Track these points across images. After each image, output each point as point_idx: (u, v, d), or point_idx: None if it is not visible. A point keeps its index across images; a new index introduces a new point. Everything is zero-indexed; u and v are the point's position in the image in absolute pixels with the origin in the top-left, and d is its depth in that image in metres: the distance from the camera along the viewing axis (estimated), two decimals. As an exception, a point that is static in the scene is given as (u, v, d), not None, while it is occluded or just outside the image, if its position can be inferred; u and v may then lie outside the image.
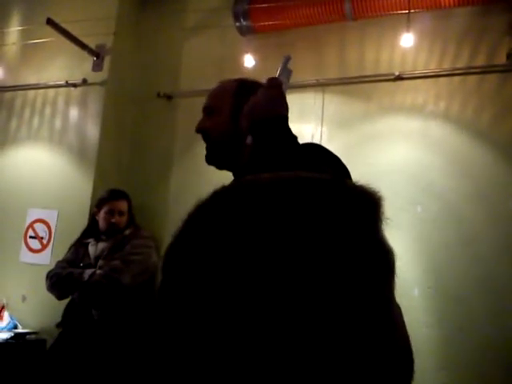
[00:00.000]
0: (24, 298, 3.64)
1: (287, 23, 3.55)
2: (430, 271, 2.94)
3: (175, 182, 3.85)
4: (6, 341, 3.26)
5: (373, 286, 0.46)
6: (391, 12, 3.25)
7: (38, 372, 3.05)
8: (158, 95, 3.98)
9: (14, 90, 4.13)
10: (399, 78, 3.33)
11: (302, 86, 3.50)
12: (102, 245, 3.01)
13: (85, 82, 3.84)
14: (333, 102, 3.51)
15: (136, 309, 2.82)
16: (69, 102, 3.92)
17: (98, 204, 3.18)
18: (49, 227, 3.71)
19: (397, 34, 3.29)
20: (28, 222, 3.79)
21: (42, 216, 3.74)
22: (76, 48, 3.73)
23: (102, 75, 3.83)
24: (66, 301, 2.98)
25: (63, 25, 3.58)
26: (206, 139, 1.48)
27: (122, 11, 3.96)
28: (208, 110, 1.50)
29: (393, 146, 3.29)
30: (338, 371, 0.43)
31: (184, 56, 4.07)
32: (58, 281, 2.90)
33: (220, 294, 0.44)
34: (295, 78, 3.95)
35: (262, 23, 3.59)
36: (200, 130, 1.49)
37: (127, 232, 3.08)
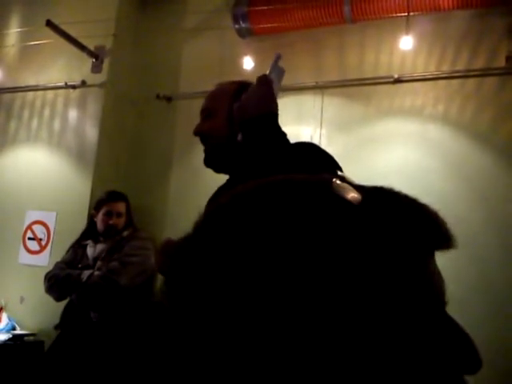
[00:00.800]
0: (22, 300, 3.64)
1: (286, 25, 3.55)
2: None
3: (174, 184, 3.85)
4: (4, 342, 3.26)
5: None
6: (390, 15, 3.26)
7: (36, 374, 3.04)
8: (158, 97, 3.98)
9: (13, 92, 4.13)
10: (398, 80, 3.34)
11: (301, 89, 3.51)
12: (100, 246, 3.00)
13: (84, 83, 3.84)
14: (332, 105, 3.51)
15: (134, 310, 2.82)
16: (68, 104, 3.92)
17: (96, 206, 3.18)
18: (47, 229, 3.71)
19: (396, 36, 3.29)
20: (26, 223, 3.78)
21: (40, 218, 3.74)
22: (75, 50, 3.73)
23: (101, 77, 3.83)
24: (65, 302, 2.98)
25: (62, 26, 3.58)
26: (203, 142, 1.47)
27: (121, 13, 3.96)
28: (205, 113, 1.48)
29: (391, 148, 3.30)
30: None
31: (183, 58, 4.07)
32: (57, 282, 2.89)
33: (241, 298, 0.43)
34: (294, 80, 3.95)
35: (262, 25, 3.60)
36: (198, 133, 1.47)
37: (125, 233, 3.08)
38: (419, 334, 0.42)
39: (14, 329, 3.50)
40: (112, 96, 3.86)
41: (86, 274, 2.85)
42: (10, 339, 3.30)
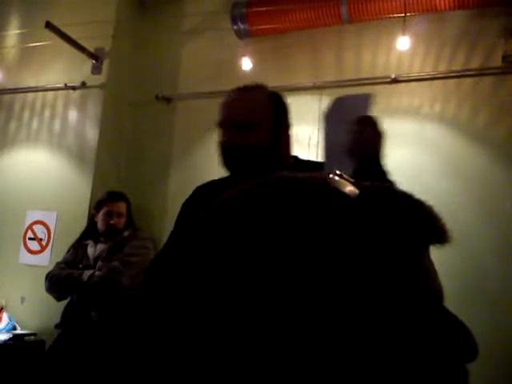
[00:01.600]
0: (23, 300, 3.65)
1: (284, 27, 3.57)
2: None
3: (174, 184, 3.86)
4: (5, 342, 3.27)
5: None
6: (387, 15, 3.28)
7: (36, 373, 3.05)
8: (157, 98, 4.00)
9: (14, 93, 4.14)
10: (395, 80, 3.36)
11: (300, 89, 3.53)
12: (100, 246, 3.02)
13: (84, 84, 3.86)
14: (330, 105, 3.53)
15: (134, 310, 2.83)
16: (68, 105, 3.93)
17: (96, 206, 3.20)
18: (48, 229, 3.72)
19: (393, 37, 3.31)
20: (27, 223, 3.80)
21: (41, 218, 3.76)
22: (75, 51, 3.74)
23: (100, 78, 3.85)
24: (65, 302, 3.00)
25: (62, 28, 3.59)
26: (239, 153, 1.45)
27: (120, 14, 3.98)
28: (245, 125, 1.46)
29: (388, 148, 3.30)
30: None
31: (182, 59, 4.09)
32: (57, 282, 2.91)
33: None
34: (293, 81, 3.95)
35: (260, 26, 3.62)
36: (242, 145, 1.45)
37: (126, 233, 3.10)
38: (417, 324, 0.43)
39: (14, 329, 3.51)
40: (111, 97, 3.88)
41: (87, 274, 2.87)
42: (10, 339, 3.31)
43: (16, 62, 4.24)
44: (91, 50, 3.82)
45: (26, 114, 4.07)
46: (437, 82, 3.32)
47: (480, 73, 3.22)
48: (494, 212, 3.00)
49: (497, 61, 3.15)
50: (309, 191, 0.46)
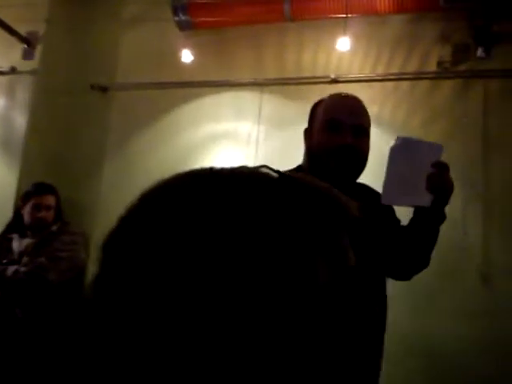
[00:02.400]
0: None
1: (227, 20, 3.54)
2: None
3: (107, 178, 3.76)
4: None
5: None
6: (329, 15, 3.31)
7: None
8: (92, 87, 3.86)
9: None
10: (335, 81, 3.39)
11: (240, 85, 3.51)
12: (26, 241, 2.89)
13: (13, 70, 3.67)
14: (270, 102, 3.53)
15: (63, 306, 2.75)
16: (-5, 91, 3.74)
17: (23, 198, 3.05)
18: (-30, 221, 3.52)
19: (334, 37, 3.34)
20: None
21: (-38, 209, 3.54)
22: (5, 34, 3.55)
23: (32, 64, 3.67)
24: (-13, 299, 2.85)
25: (-9, 9, 3.41)
26: (350, 156, 1.60)
27: (55, -3, 3.81)
28: (365, 130, 1.67)
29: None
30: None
31: (121, 48, 3.97)
32: (-21, 278, 2.77)
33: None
34: (233, 76, 3.93)
35: (201, 19, 3.58)
36: (364, 151, 1.66)
37: (54, 228, 2.98)
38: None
39: None
40: (43, 84, 3.71)
41: (10, 269, 2.73)
42: None
43: None
44: (23, 33, 3.64)
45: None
46: (375, 83, 3.38)
47: (416, 77, 3.31)
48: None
49: (432, 65, 3.25)
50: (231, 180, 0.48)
